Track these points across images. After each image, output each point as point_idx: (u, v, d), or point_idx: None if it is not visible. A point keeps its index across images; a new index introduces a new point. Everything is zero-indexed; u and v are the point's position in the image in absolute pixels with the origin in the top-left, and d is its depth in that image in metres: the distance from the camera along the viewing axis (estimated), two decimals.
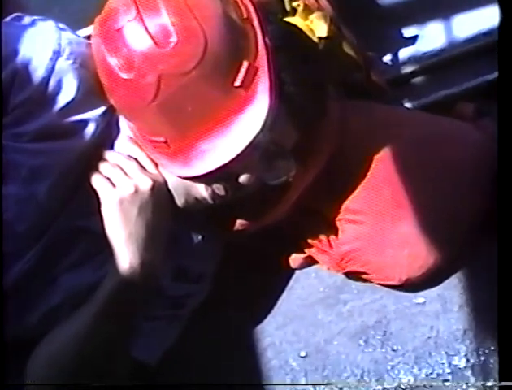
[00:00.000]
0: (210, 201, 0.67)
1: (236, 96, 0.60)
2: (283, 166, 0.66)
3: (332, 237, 0.77)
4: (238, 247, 0.73)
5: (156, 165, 0.67)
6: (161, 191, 0.65)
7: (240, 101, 0.60)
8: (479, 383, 0.61)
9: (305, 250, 0.79)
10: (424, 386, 0.65)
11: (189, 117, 0.60)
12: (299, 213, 0.74)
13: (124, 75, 0.60)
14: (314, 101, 0.65)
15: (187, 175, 0.64)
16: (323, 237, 0.77)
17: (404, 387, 0.65)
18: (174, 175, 0.66)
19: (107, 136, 0.68)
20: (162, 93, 0.60)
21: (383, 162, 0.72)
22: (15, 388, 0.59)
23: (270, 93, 0.60)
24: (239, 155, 0.60)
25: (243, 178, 0.65)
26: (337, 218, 0.75)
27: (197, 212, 0.69)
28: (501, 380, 0.50)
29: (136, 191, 0.63)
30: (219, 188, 0.66)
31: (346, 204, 0.74)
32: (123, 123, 0.68)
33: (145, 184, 0.64)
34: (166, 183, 0.66)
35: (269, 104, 0.60)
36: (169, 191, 0.66)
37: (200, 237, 0.73)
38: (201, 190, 0.67)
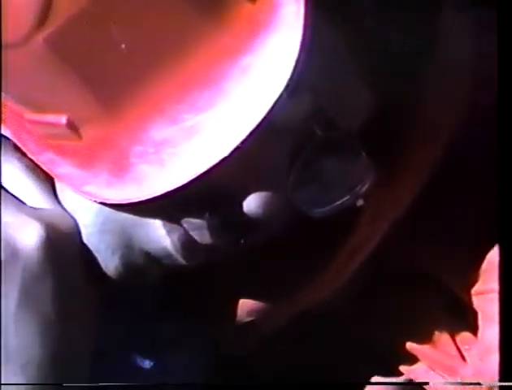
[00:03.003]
0: (181, 258, 0.63)
1: (233, 17, 0.58)
2: (343, 173, 0.63)
3: (466, 335, 0.74)
4: (243, 366, 0.71)
5: (50, 181, 0.64)
6: (63, 247, 0.63)
7: (239, 27, 0.58)
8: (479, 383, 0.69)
9: (402, 368, 0.76)
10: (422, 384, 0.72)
11: (126, 67, 0.58)
12: (384, 283, 0.74)
13: None
14: (411, 29, 0.62)
15: (124, 201, 0.61)
16: (442, 337, 0.74)
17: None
18: (93, 202, 0.63)
19: None
20: (59, 12, 0.56)
21: None
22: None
23: (306, 6, 0.56)
24: (239, 148, 0.57)
25: (251, 203, 0.62)
26: (475, 292, 0.72)
27: (149, 287, 0.67)
28: (501, 380, 0.60)
29: (11, 256, 0.61)
30: (200, 229, 0.63)
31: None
32: None
33: (27, 239, 0.61)
34: (74, 226, 0.64)
35: (304, 29, 0.56)
36: (82, 244, 0.64)
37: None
38: (159, 235, 0.63)
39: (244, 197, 0.62)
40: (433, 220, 0.72)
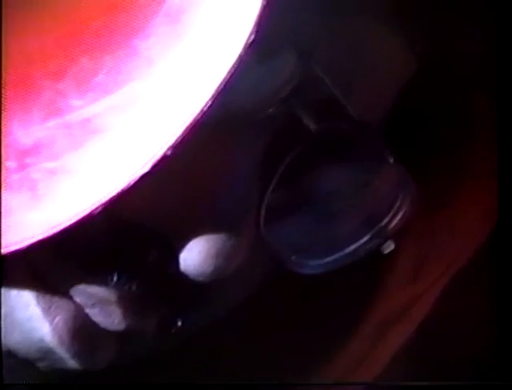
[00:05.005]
0: (70, 359, 0.59)
1: None
2: (357, 194, 0.62)
3: None
4: None
5: None
6: None
7: None
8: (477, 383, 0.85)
9: None
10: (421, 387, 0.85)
11: None
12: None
13: None
14: None
15: None
16: None
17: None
18: None
19: None
20: None
21: None
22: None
23: None
24: (166, 158, 0.54)
25: (193, 256, 0.58)
26: None
27: None
28: (501, 380, 0.71)
29: None
30: (104, 305, 0.60)
31: None
32: None
33: None
34: None
35: None
36: None
37: None
38: (29, 317, 0.59)
39: (179, 246, 0.57)
40: None
